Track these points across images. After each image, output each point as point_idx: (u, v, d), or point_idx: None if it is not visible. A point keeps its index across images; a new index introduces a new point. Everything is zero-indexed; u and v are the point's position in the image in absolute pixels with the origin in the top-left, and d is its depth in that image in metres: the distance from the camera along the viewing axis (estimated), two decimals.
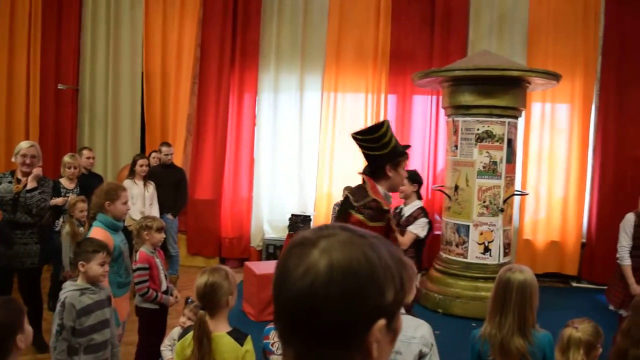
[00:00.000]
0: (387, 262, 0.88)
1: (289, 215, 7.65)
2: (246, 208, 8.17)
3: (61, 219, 5.38)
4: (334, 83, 7.96)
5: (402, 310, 0.93)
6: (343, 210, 3.39)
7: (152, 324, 3.92)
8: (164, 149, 6.94)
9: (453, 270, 6.13)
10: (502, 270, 2.66)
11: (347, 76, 7.97)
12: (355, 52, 7.92)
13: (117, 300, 3.52)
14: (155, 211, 6.39)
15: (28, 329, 2.14)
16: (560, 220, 7.72)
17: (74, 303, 2.91)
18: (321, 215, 7.92)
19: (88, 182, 5.67)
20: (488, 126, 5.99)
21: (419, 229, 4.66)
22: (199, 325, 2.50)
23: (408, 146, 3.58)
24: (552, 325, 2.66)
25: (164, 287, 3.96)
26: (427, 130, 7.80)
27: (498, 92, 5.95)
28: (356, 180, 7.66)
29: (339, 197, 7.42)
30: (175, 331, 3.36)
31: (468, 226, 6.06)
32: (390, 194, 3.48)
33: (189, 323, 3.19)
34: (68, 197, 5.39)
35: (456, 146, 6.17)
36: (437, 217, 7.49)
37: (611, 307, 4.46)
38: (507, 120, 6.03)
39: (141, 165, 6.44)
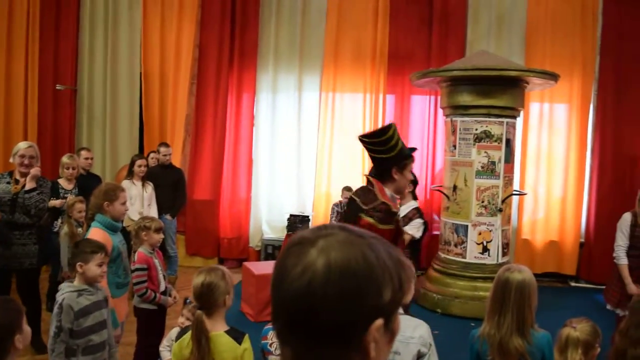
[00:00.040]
0: (386, 262, 0.88)
1: (288, 216, 7.66)
2: (245, 208, 8.17)
3: (59, 220, 5.38)
4: (332, 83, 7.96)
5: (401, 311, 0.93)
6: (351, 214, 3.37)
7: (151, 325, 3.92)
8: (163, 149, 6.93)
9: (452, 270, 6.13)
10: (501, 270, 2.67)
11: (345, 76, 7.97)
12: (353, 52, 7.92)
13: (116, 301, 3.51)
14: (153, 212, 6.38)
15: (26, 329, 2.14)
16: (559, 220, 7.73)
17: (72, 304, 2.90)
18: (319, 215, 7.92)
19: (86, 182, 5.66)
20: (486, 126, 5.99)
21: (414, 229, 4.66)
22: (197, 325, 2.51)
23: (414, 149, 3.61)
24: (551, 325, 2.66)
25: (162, 288, 3.96)
26: (425, 130, 7.81)
27: (496, 92, 5.96)
28: (354, 180, 7.70)
29: (337, 197, 7.46)
30: (174, 332, 3.36)
31: (466, 226, 6.06)
32: (397, 196, 3.51)
33: (187, 323, 3.19)
34: (66, 198, 5.38)
35: (454, 146, 6.17)
36: (435, 217, 7.50)
37: (608, 307, 4.46)
38: (505, 120, 6.03)
39: (139, 166, 6.43)
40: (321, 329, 0.83)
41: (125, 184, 6.18)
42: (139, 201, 6.37)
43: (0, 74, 8.10)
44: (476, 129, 6.01)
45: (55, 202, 5.21)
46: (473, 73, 5.89)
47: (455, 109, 6.18)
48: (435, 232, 7.20)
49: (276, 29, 8.09)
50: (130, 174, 6.45)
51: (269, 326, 2.74)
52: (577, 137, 7.64)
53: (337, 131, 8.01)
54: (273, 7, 8.06)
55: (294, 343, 0.87)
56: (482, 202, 6.02)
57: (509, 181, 6.19)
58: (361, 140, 3.43)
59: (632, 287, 4.23)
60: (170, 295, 4.01)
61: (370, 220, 3.23)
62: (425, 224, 4.81)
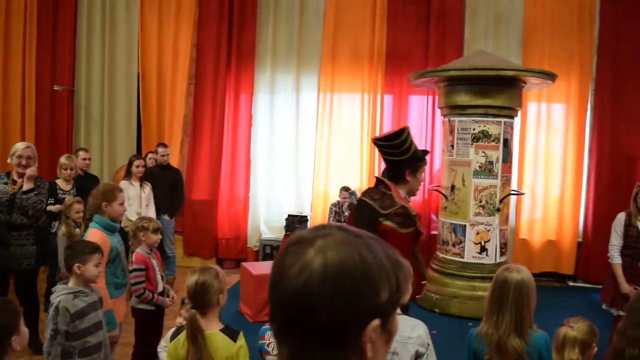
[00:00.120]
0: (383, 262, 0.88)
1: (286, 216, 7.66)
2: (243, 208, 8.17)
3: (57, 221, 5.37)
4: (330, 83, 7.96)
5: (398, 311, 0.93)
6: (367, 218, 3.33)
7: (149, 325, 3.91)
8: (160, 149, 6.93)
9: (450, 270, 6.13)
10: (500, 270, 2.67)
11: (343, 76, 7.98)
12: (351, 52, 7.93)
13: (114, 302, 3.51)
14: (151, 212, 6.38)
15: (24, 330, 2.13)
16: (557, 219, 7.75)
17: (68, 307, 2.89)
18: (318, 215, 7.92)
19: (84, 183, 5.65)
20: (484, 126, 6.00)
21: None
22: (191, 324, 2.52)
23: (427, 152, 3.68)
24: (549, 325, 2.66)
25: (160, 288, 3.95)
26: (423, 130, 7.81)
27: (494, 92, 5.96)
28: (352, 180, 7.70)
29: (335, 197, 7.46)
30: (172, 332, 3.36)
31: (464, 226, 6.07)
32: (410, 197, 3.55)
33: (185, 324, 3.19)
34: (64, 200, 5.36)
35: (452, 146, 6.18)
36: (433, 217, 7.51)
37: (604, 306, 4.47)
38: (503, 120, 6.04)
39: (137, 166, 6.42)
40: (318, 328, 0.83)
41: (123, 184, 6.18)
42: (136, 202, 6.36)
43: None
44: (474, 129, 6.01)
45: (52, 208, 5.21)
46: (471, 73, 5.89)
47: (453, 109, 6.18)
48: (434, 232, 7.21)
49: (274, 30, 8.09)
50: (128, 175, 6.44)
51: (267, 326, 2.74)
52: (575, 137, 7.65)
53: (335, 131, 8.01)
54: (270, 8, 8.06)
55: (291, 342, 0.87)
56: (480, 201, 6.02)
57: (506, 181, 6.19)
58: (375, 143, 3.47)
59: (625, 287, 4.24)
60: (168, 296, 4.01)
61: (391, 224, 3.25)
62: None
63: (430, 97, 7.75)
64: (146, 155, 7.12)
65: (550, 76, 6.06)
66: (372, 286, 0.85)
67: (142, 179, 6.47)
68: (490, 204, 6.02)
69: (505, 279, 2.57)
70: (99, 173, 7.74)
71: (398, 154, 3.35)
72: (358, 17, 7.88)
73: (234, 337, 2.61)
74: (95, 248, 3.09)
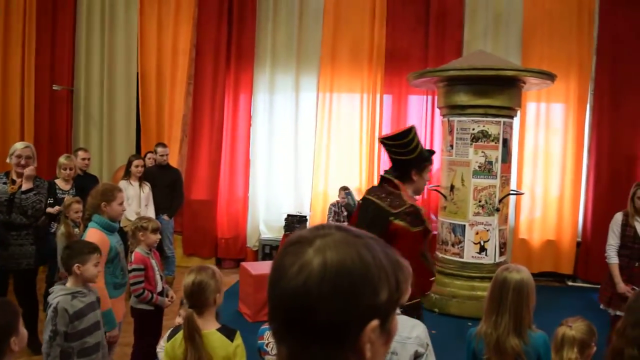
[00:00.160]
0: (382, 262, 0.88)
1: (285, 216, 7.66)
2: (242, 208, 8.17)
3: (57, 221, 5.36)
4: (330, 83, 7.97)
5: (398, 311, 0.92)
6: (376, 217, 3.34)
7: (148, 325, 3.91)
8: (160, 149, 6.93)
9: (449, 269, 6.14)
10: (499, 270, 2.67)
11: (342, 76, 7.98)
12: (350, 52, 7.93)
13: (113, 302, 3.51)
14: (151, 212, 6.38)
15: (23, 331, 2.13)
16: (556, 219, 7.75)
17: (67, 308, 2.88)
18: (317, 215, 7.92)
19: (83, 183, 5.65)
20: (483, 126, 6.00)
21: None
22: (189, 323, 2.52)
23: (433, 152, 3.69)
24: (548, 324, 2.66)
25: (159, 288, 3.95)
26: (422, 130, 7.81)
27: (493, 92, 5.97)
28: (351, 180, 7.69)
29: (334, 197, 7.46)
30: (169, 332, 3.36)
31: (464, 226, 6.07)
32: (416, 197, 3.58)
33: None
34: (64, 199, 5.36)
35: (452, 146, 6.18)
36: (433, 216, 7.50)
37: (602, 306, 4.48)
38: (502, 120, 6.04)
39: (137, 166, 6.42)
40: (317, 328, 0.83)
41: (123, 184, 6.17)
42: (136, 201, 6.36)
43: None
44: (473, 129, 6.01)
45: (51, 210, 5.21)
46: (470, 73, 5.90)
47: (452, 109, 6.18)
48: (433, 232, 7.20)
49: (273, 29, 8.09)
50: (128, 174, 6.44)
51: (265, 326, 2.74)
52: (574, 137, 7.66)
53: (334, 131, 8.02)
54: (270, 7, 8.06)
55: (290, 342, 0.87)
56: (480, 201, 6.02)
57: (506, 181, 6.19)
58: (382, 142, 3.50)
59: (621, 286, 4.25)
60: (167, 296, 4.01)
61: (402, 224, 3.26)
62: None
63: (430, 97, 7.75)
64: (145, 155, 7.12)
65: (550, 76, 6.06)
66: (372, 286, 0.85)
67: (142, 179, 6.47)
68: (490, 204, 6.02)
69: (504, 279, 2.57)
70: (98, 173, 7.73)
71: (405, 153, 3.36)
72: (357, 17, 7.88)
73: (231, 336, 2.61)
74: (94, 248, 3.09)
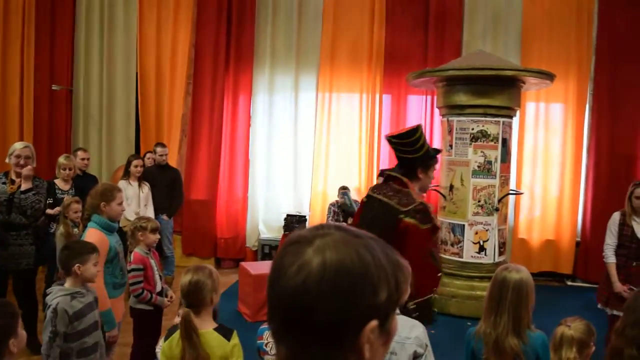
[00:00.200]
0: (382, 262, 0.88)
1: (284, 216, 7.66)
2: (241, 208, 8.17)
3: (56, 221, 5.36)
4: (329, 83, 7.97)
5: (397, 311, 0.92)
6: (387, 215, 3.36)
7: (147, 325, 3.91)
8: (159, 149, 6.92)
9: (448, 269, 6.13)
10: (499, 270, 2.67)
11: (341, 77, 7.98)
12: (349, 52, 7.93)
13: (113, 302, 3.51)
14: (150, 212, 6.37)
15: (22, 333, 2.12)
16: (555, 219, 7.76)
17: (67, 308, 2.88)
18: (316, 215, 7.92)
19: (83, 183, 5.64)
20: (483, 126, 6.00)
21: None
22: (185, 323, 2.53)
23: (439, 150, 3.74)
24: (548, 324, 2.67)
25: (158, 288, 3.95)
26: None
27: (492, 91, 5.97)
28: (351, 180, 7.68)
29: (334, 196, 7.46)
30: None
31: (463, 225, 6.07)
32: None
33: None
34: (63, 199, 5.36)
35: (451, 146, 6.18)
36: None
37: (599, 306, 4.49)
38: (501, 119, 6.04)
39: (136, 166, 6.42)
40: (316, 327, 0.83)
41: (122, 184, 6.17)
42: (135, 201, 6.36)
43: None
44: (472, 129, 6.02)
45: (51, 211, 5.21)
46: (469, 73, 5.90)
47: (452, 109, 6.19)
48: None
49: (272, 30, 8.09)
50: (127, 174, 6.43)
51: (265, 326, 2.74)
52: (573, 137, 7.66)
53: (334, 131, 8.02)
54: (269, 8, 8.06)
55: (289, 342, 0.87)
56: (479, 201, 6.02)
57: (505, 180, 6.20)
58: (388, 140, 3.54)
59: (617, 285, 4.26)
60: (166, 296, 4.00)
61: (412, 221, 3.28)
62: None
63: (429, 97, 7.76)
64: (145, 155, 7.12)
65: (549, 76, 6.07)
66: (371, 286, 0.85)
67: (141, 179, 6.46)
68: (489, 204, 6.03)
69: (504, 279, 2.57)
70: (98, 173, 7.74)
71: (411, 151, 3.40)
72: (357, 17, 7.88)
73: (227, 335, 2.62)
74: (92, 248, 3.09)
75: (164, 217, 6.67)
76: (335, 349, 0.84)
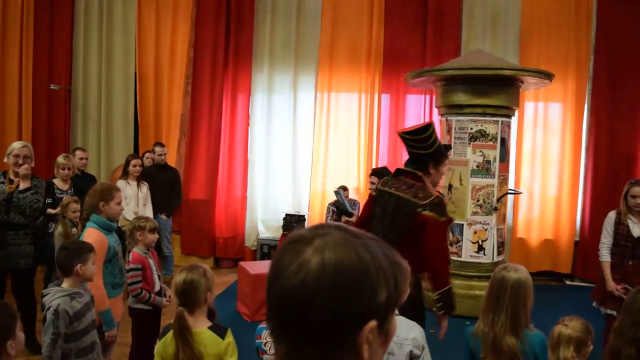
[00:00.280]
0: (381, 262, 0.87)
1: (283, 215, 7.66)
2: (240, 208, 8.17)
3: (55, 221, 5.36)
4: (328, 83, 7.97)
5: (396, 312, 0.92)
6: (404, 208, 3.43)
7: (146, 325, 3.91)
8: (158, 149, 6.92)
9: None
10: (498, 269, 2.68)
11: (340, 76, 7.98)
12: (348, 52, 7.93)
13: (112, 301, 3.50)
14: (148, 212, 6.37)
15: (20, 335, 2.11)
16: (554, 218, 7.76)
17: (67, 309, 2.87)
18: (315, 214, 7.92)
19: (81, 182, 5.65)
20: (481, 125, 6.00)
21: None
22: (179, 322, 2.54)
23: (450, 147, 3.85)
24: (546, 323, 2.67)
25: (157, 288, 3.95)
26: None
27: (491, 91, 5.97)
28: (350, 179, 7.66)
29: (333, 196, 7.43)
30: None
31: (462, 225, 6.07)
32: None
33: None
34: (62, 199, 5.36)
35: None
36: None
37: (594, 304, 4.49)
38: (500, 119, 6.04)
39: (134, 166, 6.41)
40: (314, 327, 0.83)
41: (120, 183, 6.17)
42: (134, 201, 6.36)
43: None
44: (471, 128, 6.02)
45: (52, 211, 5.20)
46: (468, 72, 5.90)
47: (450, 108, 6.19)
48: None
49: (271, 29, 8.09)
50: (125, 174, 6.43)
51: (263, 325, 2.74)
52: (572, 136, 7.67)
53: (333, 131, 8.02)
54: (268, 7, 8.06)
55: (287, 341, 0.87)
56: (478, 201, 6.03)
57: (504, 180, 6.20)
58: (401, 136, 3.61)
59: (610, 284, 4.26)
60: (165, 296, 4.00)
61: (431, 214, 3.35)
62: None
63: (428, 97, 7.76)
64: (143, 155, 7.12)
65: (548, 76, 6.07)
66: (370, 286, 0.85)
67: (140, 179, 6.46)
68: (488, 203, 6.03)
69: (502, 278, 2.58)
70: (96, 172, 7.74)
71: (423, 147, 3.48)
72: (356, 16, 7.88)
73: (222, 334, 2.63)
74: (90, 247, 3.09)
75: (163, 216, 6.67)
76: (334, 349, 0.84)
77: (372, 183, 5.14)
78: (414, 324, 2.48)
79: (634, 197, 4.25)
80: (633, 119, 7.50)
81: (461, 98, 6.04)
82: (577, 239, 7.74)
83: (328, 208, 7.33)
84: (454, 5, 7.72)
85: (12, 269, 4.55)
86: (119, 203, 3.69)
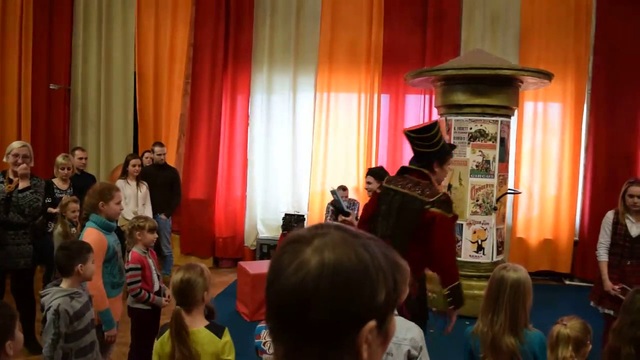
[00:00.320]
0: (380, 262, 0.87)
1: (283, 215, 7.66)
2: (240, 208, 8.17)
3: (54, 220, 5.36)
4: (327, 83, 7.97)
5: (395, 312, 0.92)
6: (410, 205, 3.45)
7: (145, 325, 3.91)
8: (157, 149, 6.92)
9: None
10: (497, 269, 2.68)
11: (340, 76, 7.98)
12: (348, 52, 7.93)
13: (111, 301, 3.51)
14: (148, 211, 6.37)
15: (19, 335, 2.10)
16: (553, 218, 7.77)
17: (68, 309, 2.87)
18: (315, 214, 7.92)
19: (81, 182, 5.64)
20: (481, 125, 6.00)
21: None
22: (176, 321, 2.54)
23: (455, 146, 3.89)
24: (546, 323, 2.67)
25: (156, 288, 3.95)
26: None
27: (491, 91, 5.97)
28: (349, 179, 7.66)
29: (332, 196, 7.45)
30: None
31: (461, 225, 6.07)
32: None
33: None
34: (62, 199, 5.35)
35: None
36: None
37: (592, 304, 4.49)
38: (499, 119, 6.04)
39: (134, 165, 6.41)
40: (313, 327, 0.83)
41: (120, 183, 6.17)
42: (133, 201, 6.36)
43: None
44: (471, 128, 6.02)
45: (53, 210, 5.20)
46: (467, 72, 5.89)
47: (450, 108, 6.19)
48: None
49: (271, 29, 8.08)
50: (125, 174, 6.43)
51: (263, 324, 2.74)
52: (571, 136, 7.68)
53: (332, 131, 8.02)
54: (267, 7, 8.06)
55: (286, 341, 0.86)
56: (477, 200, 6.03)
57: (503, 180, 6.20)
58: (406, 134, 3.64)
59: (607, 284, 4.26)
60: (164, 295, 4.00)
61: (439, 211, 3.38)
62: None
63: (427, 97, 7.76)
64: (143, 155, 7.11)
65: (547, 76, 6.07)
66: (369, 286, 0.85)
67: (139, 178, 6.46)
68: (487, 203, 6.03)
69: (501, 278, 2.58)
70: (96, 172, 7.74)
71: (428, 146, 3.51)
72: (355, 17, 7.88)
73: (219, 333, 2.63)
74: (89, 246, 3.09)
75: (162, 216, 6.67)
76: (333, 349, 0.84)
77: (369, 183, 5.13)
78: (412, 324, 2.48)
79: (631, 196, 4.24)
80: (632, 119, 7.50)
81: (460, 98, 6.04)
82: (577, 238, 7.75)
83: (327, 208, 7.33)
84: (453, 6, 7.72)
85: (11, 268, 4.55)
86: (119, 203, 3.69)
